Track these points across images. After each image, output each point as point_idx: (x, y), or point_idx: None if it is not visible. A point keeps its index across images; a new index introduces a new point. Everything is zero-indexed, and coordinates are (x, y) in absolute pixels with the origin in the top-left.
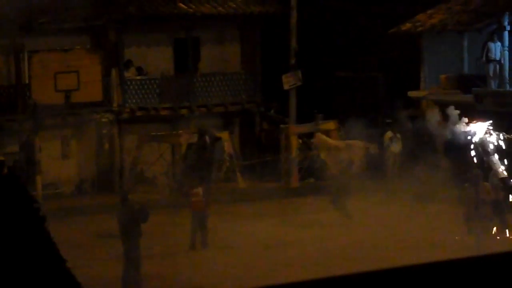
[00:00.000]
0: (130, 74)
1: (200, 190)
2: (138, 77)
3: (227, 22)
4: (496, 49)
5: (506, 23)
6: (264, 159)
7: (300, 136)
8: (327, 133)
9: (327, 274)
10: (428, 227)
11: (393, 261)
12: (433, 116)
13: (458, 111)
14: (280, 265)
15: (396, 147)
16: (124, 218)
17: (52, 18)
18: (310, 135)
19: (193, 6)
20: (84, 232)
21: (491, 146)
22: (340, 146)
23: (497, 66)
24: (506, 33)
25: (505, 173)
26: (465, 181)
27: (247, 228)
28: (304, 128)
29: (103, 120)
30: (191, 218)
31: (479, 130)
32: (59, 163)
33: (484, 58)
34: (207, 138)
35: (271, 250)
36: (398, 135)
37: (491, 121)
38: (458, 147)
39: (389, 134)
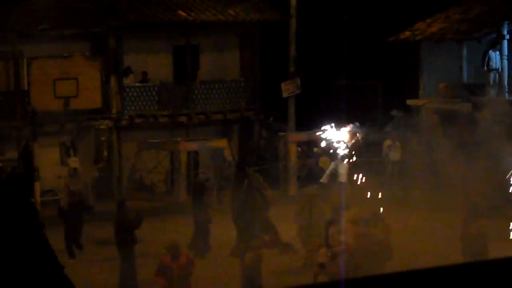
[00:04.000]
0: (129, 81)
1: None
2: (138, 84)
3: (227, 30)
4: (496, 58)
5: (505, 32)
6: (263, 167)
7: (299, 143)
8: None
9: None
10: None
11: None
12: None
13: None
14: (279, 272)
15: (394, 155)
16: (119, 225)
17: (51, 24)
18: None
19: (193, 14)
20: (82, 238)
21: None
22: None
23: (497, 75)
24: (505, 42)
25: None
26: None
27: None
28: (303, 136)
29: (102, 127)
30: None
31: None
32: (58, 169)
33: (485, 67)
34: (248, 171)
35: (269, 256)
36: (397, 143)
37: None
38: None
39: (387, 142)
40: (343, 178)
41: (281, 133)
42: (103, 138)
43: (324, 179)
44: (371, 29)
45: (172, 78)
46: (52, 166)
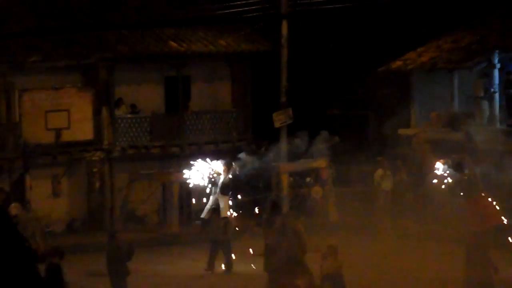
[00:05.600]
0: (121, 112)
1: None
2: (129, 115)
3: (218, 60)
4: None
5: (496, 61)
6: (255, 197)
7: (291, 173)
8: (318, 171)
9: None
10: (419, 266)
11: None
12: None
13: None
14: None
15: (387, 184)
16: (111, 256)
17: (43, 56)
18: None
19: (184, 45)
20: (75, 271)
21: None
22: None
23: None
24: (496, 71)
25: (229, 212)
26: None
27: (238, 267)
28: (295, 165)
29: (94, 158)
30: None
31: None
32: (50, 201)
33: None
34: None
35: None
36: (389, 173)
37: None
38: None
39: (379, 172)
40: (224, 212)
41: (273, 163)
42: (95, 170)
43: (205, 215)
44: (362, 59)
45: (163, 109)
46: (44, 198)
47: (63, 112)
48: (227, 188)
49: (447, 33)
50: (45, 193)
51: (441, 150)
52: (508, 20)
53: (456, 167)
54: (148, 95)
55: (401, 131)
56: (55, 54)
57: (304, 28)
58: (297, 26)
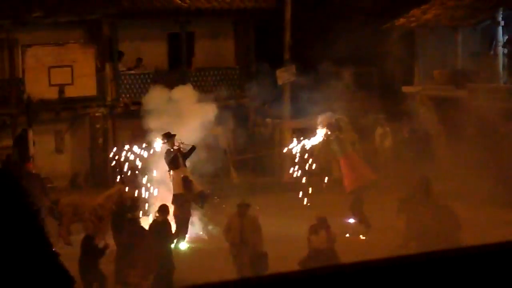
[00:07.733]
0: (121, 65)
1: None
2: (132, 72)
3: (222, 17)
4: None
5: (500, 18)
6: (258, 154)
7: (294, 131)
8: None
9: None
10: None
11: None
12: None
13: None
14: (275, 260)
15: (386, 142)
16: (114, 212)
17: (46, 12)
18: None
19: (188, 1)
20: (77, 227)
21: None
22: None
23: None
24: (500, 29)
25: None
26: None
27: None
28: (298, 123)
29: (97, 114)
30: None
31: None
32: (53, 157)
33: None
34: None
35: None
36: (387, 129)
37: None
38: None
39: (379, 130)
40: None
41: (276, 120)
42: (98, 126)
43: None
44: (367, 16)
45: (167, 66)
46: (47, 153)
47: (66, 68)
48: (173, 161)
49: None
50: (48, 149)
51: (444, 108)
52: None
53: (332, 126)
54: (151, 52)
55: (405, 89)
56: (58, 10)
57: None
58: None
